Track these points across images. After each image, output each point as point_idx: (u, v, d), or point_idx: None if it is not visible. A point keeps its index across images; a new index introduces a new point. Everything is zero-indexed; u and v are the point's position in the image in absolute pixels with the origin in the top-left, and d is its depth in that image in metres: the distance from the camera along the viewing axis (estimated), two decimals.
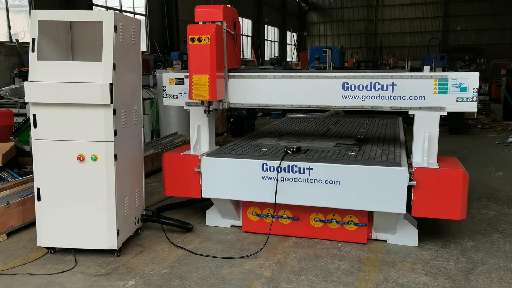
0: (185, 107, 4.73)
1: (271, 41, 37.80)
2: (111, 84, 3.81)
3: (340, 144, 4.74)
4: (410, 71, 4.25)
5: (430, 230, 4.68)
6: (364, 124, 6.58)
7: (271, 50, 38.29)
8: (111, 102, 3.83)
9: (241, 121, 11.27)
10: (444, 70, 4.30)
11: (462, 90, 4.02)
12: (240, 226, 4.78)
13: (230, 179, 4.40)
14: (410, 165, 4.18)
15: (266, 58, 33.79)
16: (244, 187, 4.38)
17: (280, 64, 27.45)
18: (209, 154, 4.51)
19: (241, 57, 32.03)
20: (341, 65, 18.53)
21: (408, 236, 4.35)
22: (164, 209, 5.39)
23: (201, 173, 4.50)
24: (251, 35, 33.89)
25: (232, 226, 4.86)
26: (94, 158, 3.89)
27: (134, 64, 4.34)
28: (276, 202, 4.26)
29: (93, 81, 3.79)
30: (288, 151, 4.37)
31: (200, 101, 4.37)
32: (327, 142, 4.90)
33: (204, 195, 4.53)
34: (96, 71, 3.81)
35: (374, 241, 4.46)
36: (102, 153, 3.89)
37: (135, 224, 4.47)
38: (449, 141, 10.42)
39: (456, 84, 4.03)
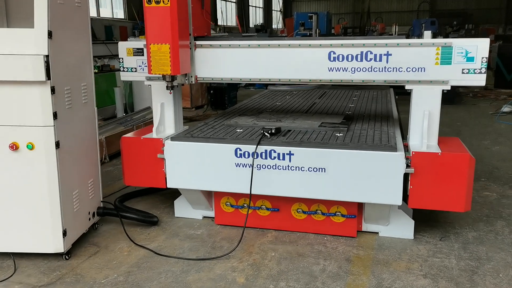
0: (146, 82, 4.05)
1: (255, 7, 36.55)
2: (46, 56, 3.11)
3: (325, 123, 4.13)
4: (406, 38, 3.61)
5: (426, 217, 4.15)
6: (352, 98, 5.97)
7: (255, 17, 37.08)
8: (48, 78, 3.14)
9: (221, 93, 10.56)
10: (434, 36, 3.68)
11: (469, 60, 3.41)
12: (213, 217, 4.20)
13: (198, 166, 3.78)
14: (406, 147, 3.60)
15: (251, 25, 32.66)
16: (215, 175, 3.76)
17: (265, 31, 26.43)
18: (173, 138, 3.87)
19: (225, 24, 30.80)
20: (327, 32, 17.70)
21: (403, 228, 3.82)
22: (129, 197, 4.78)
23: (164, 159, 3.87)
24: (234, 0, 32.63)
25: (204, 217, 4.28)
26: (31, 147, 3.23)
27: (81, 31, 3.63)
28: (252, 193, 3.67)
29: (24, 52, 3.09)
30: (266, 133, 3.75)
31: (161, 76, 3.70)
32: (311, 120, 4.29)
33: (169, 185, 3.92)
34: (27, 41, 3.10)
35: (364, 234, 3.92)
36: (40, 141, 3.23)
37: (90, 219, 3.86)
38: (441, 111, 9.79)
39: (462, 52, 3.42)
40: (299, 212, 3.90)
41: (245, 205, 3.99)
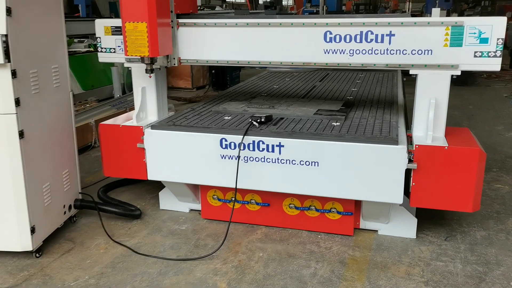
0: (126, 64, 3.71)
1: None
2: (5, 36, 2.79)
3: (322, 110, 3.77)
4: (412, 16, 3.21)
5: (431, 213, 3.79)
6: (356, 80, 5.58)
7: None
8: (8, 60, 2.82)
9: (223, 73, 10.17)
10: (448, 14, 3.28)
11: (483, 41, 3.01)
12: (201, 211, 3.91)
13: (181, 157, 3.47)
14: (409, 138, 3.25)
15: (261, 2, 31.84)
16: (198, 168, 3.45)
17: (274, 7, 25.78)
18: (154, 126, 3.54)
19: (234, 0, 29.98)
20: (338, 9, 17.06)
21: (404, 226, 3.49)
22: (114, 186, 4.49)
23: (145, 149, 3.56)
24: None
25: (191, 210, 3.99)
26: None
27: (51, 7, 3.29)
28: (239, 187, 3.36)
29: None
30: (254, 122, 3.41)
31: (139, 58, 3.36)
32: (307, 107, 3.93)
33: (150, 177, 3.62)
34: None
35: (362, 232, 3.60)
36: (1, 130, 2.93)
37: (65, 213, 3.58)
38: (453, 93, 9.24)
39: (474, 33, 3.01)
40: (291, 207, 3.58)
41: (233, 198, 3.68)
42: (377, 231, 3.58)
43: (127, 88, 9.28)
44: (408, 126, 3.61)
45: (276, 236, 3.56)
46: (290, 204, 3.58)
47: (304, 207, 3.55)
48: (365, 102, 4.28)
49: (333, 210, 3.49)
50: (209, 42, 3.50)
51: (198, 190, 3.83)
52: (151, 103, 3.77)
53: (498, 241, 3.48)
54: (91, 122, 5.85)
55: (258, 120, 3.41)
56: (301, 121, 3.55)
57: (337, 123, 3.47)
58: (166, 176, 3.57)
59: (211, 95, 9.47)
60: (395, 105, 4.16)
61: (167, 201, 4.01)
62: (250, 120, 3.43)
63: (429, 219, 3.73)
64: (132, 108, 6.63)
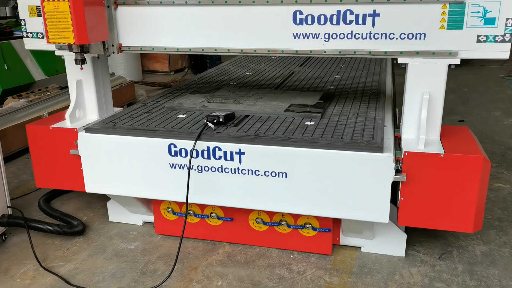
0: (57, 52, 3.08)
1: None
2: None
3: (295, 106, 3.17)
4: None
5: None
6: (340, 65, 4.96)
7: None
8: None
9: (202, 54, 9.47)
10: None
11: (488, 22, 2.42)
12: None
13: (123, 167, 2.87)
14: (397, 140, 2.68)
15: None
16: (144, 179, 2.86)
17: None
18: (89, 129, 2.92)
19: None
20: None
21: (392, 243, 2.95)
22: (60, 193, 3.89)
23: (80, 157, 2.95)
24: None
25: (145, 223, 3.41)
26: None
27: None
28: (193, 202, 2.79)
29: None
30: (210, 124, 2.80)
31: (66, 45, 2.73)
32: (279, 101, 3.32)
33: (88, 190, 3.02)
34: None
35: (342, 249, 3.05)
36: None
37: None
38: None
39: (478, 12, 2.42)
40: (258, 222, 3.02)
41: (191, 212, 3.11)
42: (360, 248, 3.04)
43: None
44: (397, 124, 3.03)
45: (240, 257, 3.00)
46: (257, 218, 3.01)
47: (274, 222, 2.99)
48: (348, 92, 3.69)
49: (308, 226, 2.93)
50: (155, 25, 2.87)
51: (150, 201, 3.25)
52: (90, 99, 3.15)
53: (501, 259, 2.95)
54: (44, 114, 5.21)
55: (215, 120, 2.81)
56: (269, 120, 2.95)
57: (311, 123, 2.88)
58: (107, 189, 2.98)
59: (189, 78, 8.81)
60: (382, 96, 3.57)
61: (117, 213, 3.43)
62: (205, 120, 2.83)
63: (420, 231, 3.19)
64: None
